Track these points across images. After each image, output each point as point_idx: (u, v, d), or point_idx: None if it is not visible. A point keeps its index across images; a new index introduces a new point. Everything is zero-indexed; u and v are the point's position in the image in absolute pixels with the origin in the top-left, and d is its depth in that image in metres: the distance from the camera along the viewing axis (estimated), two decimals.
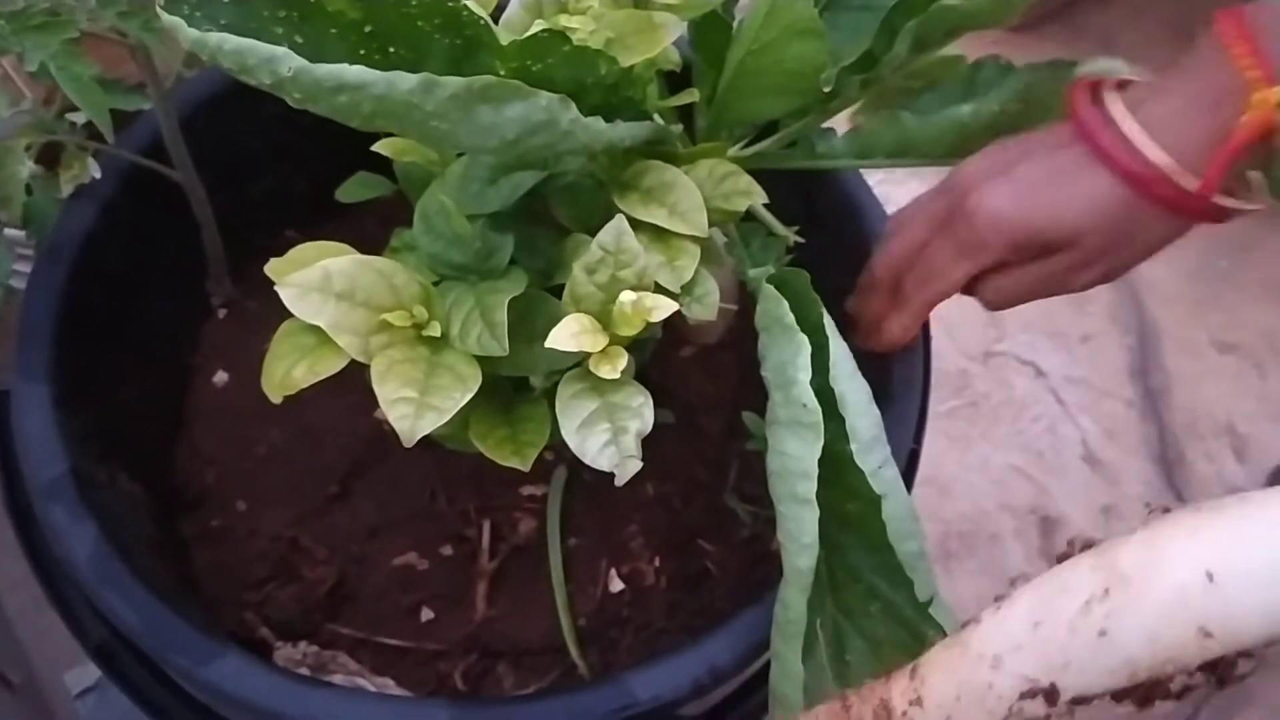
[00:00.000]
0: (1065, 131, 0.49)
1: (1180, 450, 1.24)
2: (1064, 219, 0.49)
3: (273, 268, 0.50)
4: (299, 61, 0.39)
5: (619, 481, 0.47)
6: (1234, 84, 0.44)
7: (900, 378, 0.59)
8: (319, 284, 0.47)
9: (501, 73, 0.44)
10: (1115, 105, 0.48)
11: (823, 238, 0.59)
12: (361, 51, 0.44)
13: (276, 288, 0.47)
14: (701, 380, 0.69)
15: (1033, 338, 1.30)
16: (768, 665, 0.58)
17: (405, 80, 0.40)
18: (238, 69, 0.40)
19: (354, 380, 0.50)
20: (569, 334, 0.47)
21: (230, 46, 0.40)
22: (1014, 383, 1.27)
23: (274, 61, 0.39)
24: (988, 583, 1.14)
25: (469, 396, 0.47)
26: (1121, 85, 0.49)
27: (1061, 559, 0.43)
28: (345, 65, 0.39)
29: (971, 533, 1.17)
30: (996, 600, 0.44)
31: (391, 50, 0.44)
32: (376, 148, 0.57)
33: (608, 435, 0.47)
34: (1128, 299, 1.33)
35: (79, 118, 0.62)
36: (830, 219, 0.64)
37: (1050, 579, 0.40)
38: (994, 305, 0.54)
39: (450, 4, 0.43)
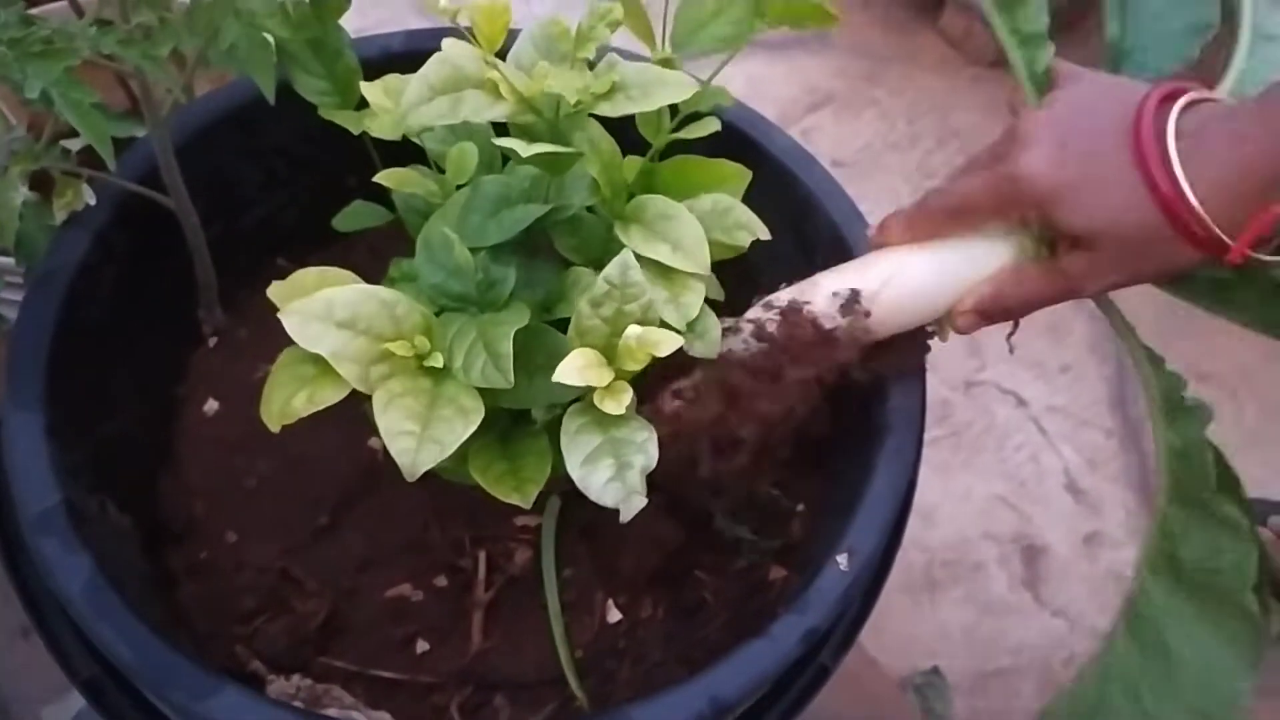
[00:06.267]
0: (1124, 128, 0.49)
1: None
2: (1093, 218, 0.50)
3: (275, 292, 0.50)
4: None
5: (624, 518, 0.47)
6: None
7: (897, 409, 0.59)
8: (322, 312, 0.47)
9: None
10: (1171, 131, 0.48)
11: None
12: None
13: (280, 315, 0.47)
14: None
15: (1013, 367, 1.31)
16: (762, 700, 0.58)
17: None
18: None
19: (344, 410, 0.50)
20: (575, 368, 0.47)
21: None
22: (996, 412, 1.29)
23: None
24: (973, 611, 1.14)
25: (471, 430, 0.47)
26: (1192, 103, 0.50)
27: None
28: None
29: (956, 561, 1.17)
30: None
31: None
32: (379, 179, 0.57)
33: (612, 471, 0.48)
34: (1105, 329, 1.34)
35: (73, 144, 0.61)
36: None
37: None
38: (1006, 308, 0.55)
39: None
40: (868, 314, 0.54)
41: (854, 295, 0.53)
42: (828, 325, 0.53)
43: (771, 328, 0.53)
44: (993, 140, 0.55)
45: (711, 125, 0.56)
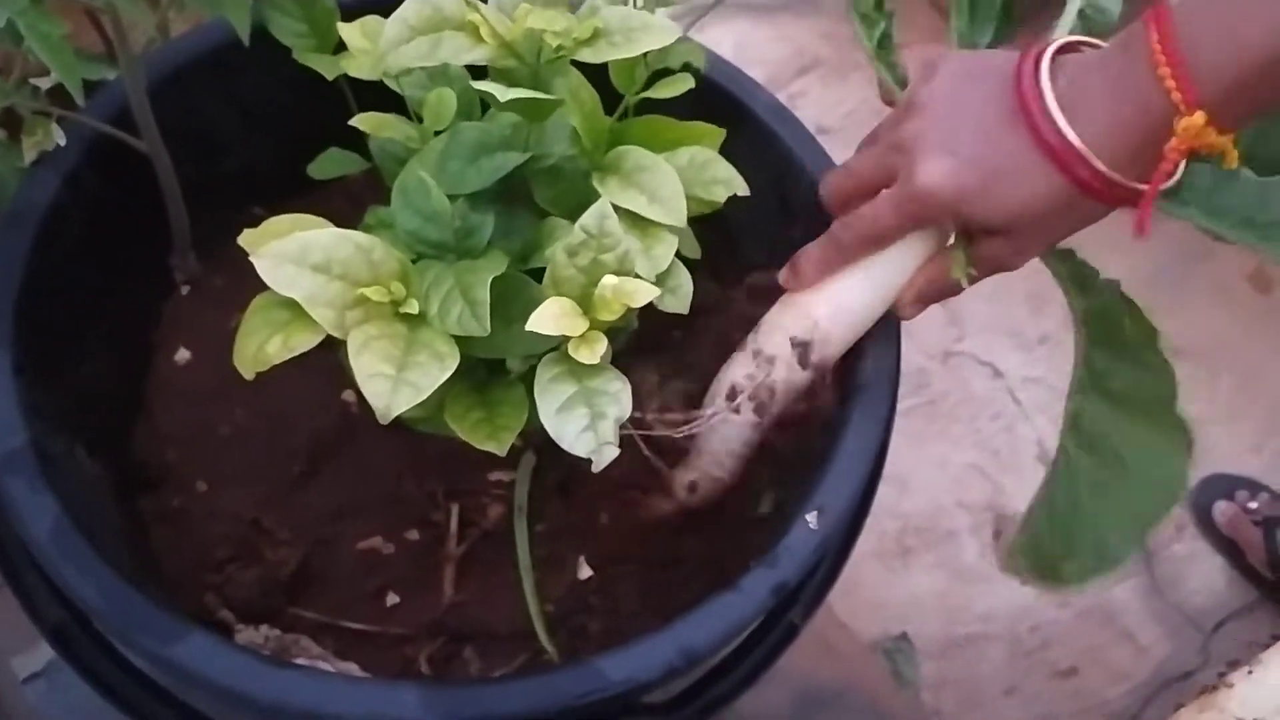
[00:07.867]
0: (1009, 95, 0.49)
1: None
2: (1005, 210, 0.50)
3: (246, 239, 0.49)
4: None
5: (596, 468, 0.47)
6: (1161, 101, 0.45)
7: (872, 369, 0.59)
8: (296, 256, 0.47)
9: None
10: (1049, 89, 0.48)
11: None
12: None
13: (252, 258, 0.46)
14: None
15: (991, 338, 1.32)
16: (731, 656, 0.59)
17: None
18: None
19: (320, 361, 0.50)
20: (550, 317, 0.46)
21: None
22: (972, 382, 1.29)
23: None
24: (944, 577, 1.16)
25: (447, 375, 0.47)
26: (1065, 49, 0.50)
27: None
28: None
29: (929, 529, 1.18)
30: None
31: None
32: (354, 122, 0.56)
33: (585, 420, 0.47)
34: None
35: (43, 83, 0.60)
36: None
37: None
38: (944, 291, 0.56)
39: None
40: (825, 358, 0.56)
41: (809, 351, 0.55)
42: (798, 381, 0.56)
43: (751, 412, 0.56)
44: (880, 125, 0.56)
45: (685, 82, 0.54)
